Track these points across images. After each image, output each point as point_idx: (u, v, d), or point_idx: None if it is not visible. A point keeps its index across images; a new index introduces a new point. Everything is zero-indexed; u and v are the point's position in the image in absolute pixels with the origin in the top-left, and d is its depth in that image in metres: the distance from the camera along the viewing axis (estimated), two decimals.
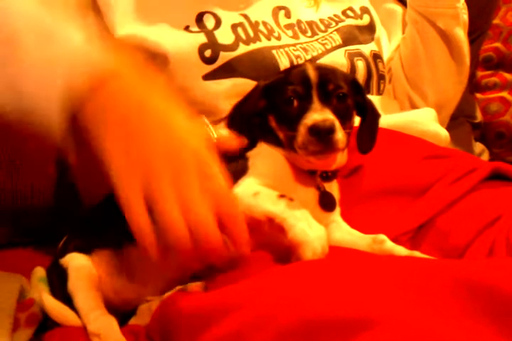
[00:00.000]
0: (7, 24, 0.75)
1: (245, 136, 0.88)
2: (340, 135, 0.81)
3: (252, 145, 0.88)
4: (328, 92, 0.85)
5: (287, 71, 0.93)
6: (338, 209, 0.91)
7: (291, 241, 0.74)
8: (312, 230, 0.74)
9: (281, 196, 0.78)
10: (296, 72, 0.90)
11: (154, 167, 0.68)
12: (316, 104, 0.83)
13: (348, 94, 0.87)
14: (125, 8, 1.06)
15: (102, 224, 0.89)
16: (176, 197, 0.66)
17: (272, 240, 0.79)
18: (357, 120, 0.93)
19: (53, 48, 0.72)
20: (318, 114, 0.82)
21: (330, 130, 0.80)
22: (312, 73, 0.85)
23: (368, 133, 0.92)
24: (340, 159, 0.90)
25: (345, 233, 0.88)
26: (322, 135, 0.80)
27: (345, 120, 0.85)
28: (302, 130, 0.82)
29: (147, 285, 0.85)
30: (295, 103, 0.85)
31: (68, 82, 0.69)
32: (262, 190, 0.80)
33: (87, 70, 0.70)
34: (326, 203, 0.89)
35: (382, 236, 0.84)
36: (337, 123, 0.82)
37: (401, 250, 0.82)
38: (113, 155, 0.69)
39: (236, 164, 0.86)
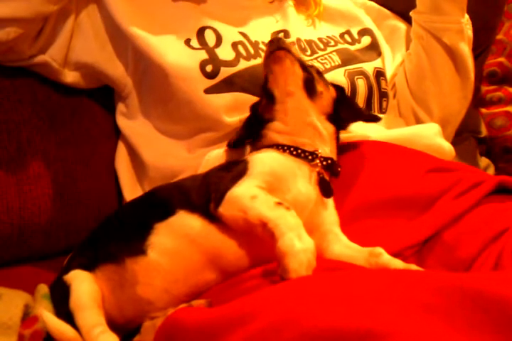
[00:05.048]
0: None
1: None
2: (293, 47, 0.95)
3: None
4: None
5: None
6: (337, 220, 0.90)
7: (279, 249, 0.72)
8: (301, 242, 0.72)
9: (279, 203, 0.78)
10: None
11: None
12: None
13: None
14: (129, 9, 1.10)
15: (106, 239, 0.90)
16: None
17: (265, 245, 0.77)
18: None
19: None
20: None
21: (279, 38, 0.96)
22: None
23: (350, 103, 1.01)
24: (331, 148, 0.94)
25: (343, 246, 0.87)
26: (274, 40, 0.95)
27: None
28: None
29: (151, 302, 0.85)
30: None
31: None
32: (261, 194, 0.80)
33: None
34: (325, 188, 0.89)
35: (379, 250, 0.83)
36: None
37: (397, 263, 0.82)
38: None
39: (236, 165, 0.88)
